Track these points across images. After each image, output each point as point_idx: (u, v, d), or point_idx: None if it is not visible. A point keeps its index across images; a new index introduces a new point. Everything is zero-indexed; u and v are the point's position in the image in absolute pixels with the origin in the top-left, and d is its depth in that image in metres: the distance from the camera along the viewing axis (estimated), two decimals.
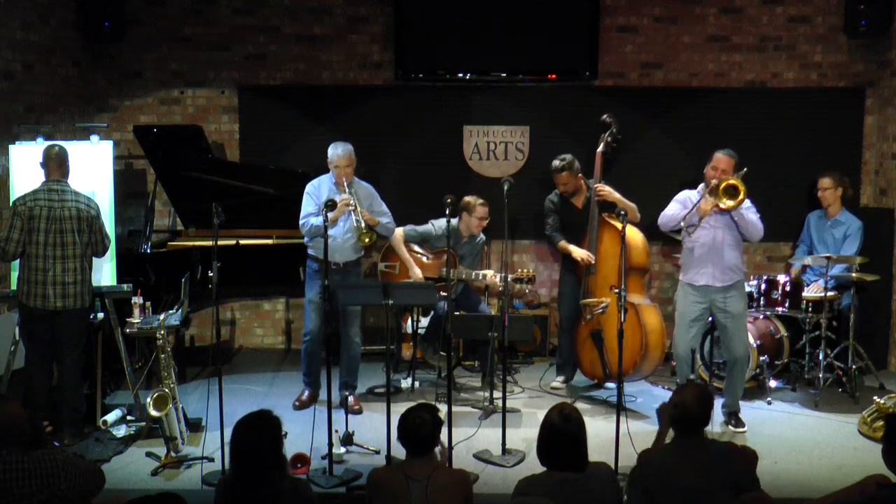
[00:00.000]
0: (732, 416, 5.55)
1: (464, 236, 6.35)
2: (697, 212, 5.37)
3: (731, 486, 3.35)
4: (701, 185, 5.52)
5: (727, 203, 5.26)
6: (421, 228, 6.44)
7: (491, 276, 6.22)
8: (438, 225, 6.35)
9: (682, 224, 5.42)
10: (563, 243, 6.24)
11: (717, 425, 5.40)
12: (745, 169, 5.36)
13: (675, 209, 5.55)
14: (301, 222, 5.68)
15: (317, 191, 5.73)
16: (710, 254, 5.41)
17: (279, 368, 7.01)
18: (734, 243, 5.44)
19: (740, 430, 5.46)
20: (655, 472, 3.45)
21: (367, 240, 5.56)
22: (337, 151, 5.65)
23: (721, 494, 3.29)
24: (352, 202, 5.53)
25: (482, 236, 6.51)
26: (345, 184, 5.61)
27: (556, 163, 6.18)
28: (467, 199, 6.33)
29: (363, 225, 5.52)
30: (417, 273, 6.26)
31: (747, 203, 5.36)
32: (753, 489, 3.43)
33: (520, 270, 6.03)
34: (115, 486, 4.38)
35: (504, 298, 5.55)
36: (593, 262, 6.07)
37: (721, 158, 5.42)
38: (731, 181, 5.27)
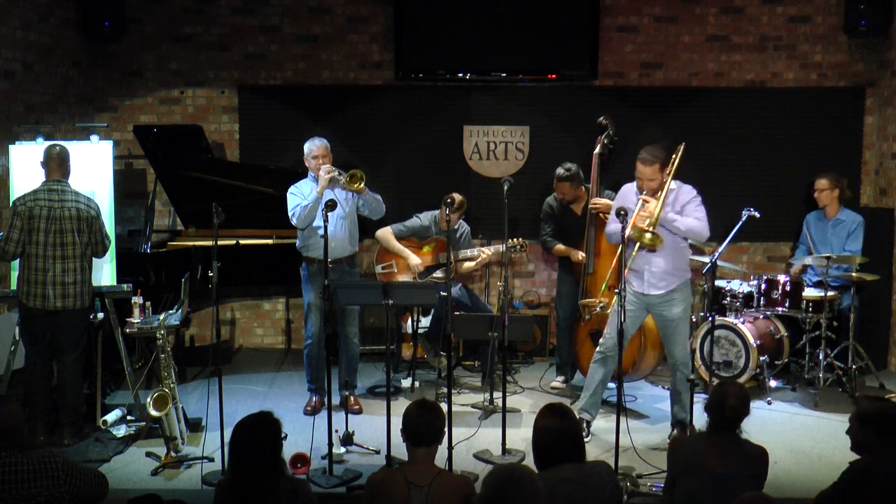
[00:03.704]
0: (680, 426, 5.21)
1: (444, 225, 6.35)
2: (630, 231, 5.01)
3: (758, 485, 3.49)
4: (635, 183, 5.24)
5: (647, 233, 4.87)
6: (408, 223, 6.50)
7: (485, 252, 6.28)
8: (424, 216, 6.51)
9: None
10: (558, 247, 6.25)
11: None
12: (682, 144, 5.21)
13: (615, 219, 5.14)
14: (290, 213, 5.66)
15: (299, 189, 5.73)
16: (641, 260, 5.10)
17: (279, 368, 7.01)
18: (669, 247, 5.03)
19: None
20: (683, 454, 3.54)
21: (358, 184, 5.45)
22: (314, 142, 5.70)
23: (749, 487, 3.35)
24: (333, 170, 5.51)
25: (463, 224, 6.51)
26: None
27: (560, 171, 6.16)
28: (456, 197, 6.29)
29: (347, 176, 5.46)
30: (416, 260, 6.34)
31: (689, 203, 5.07)
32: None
33: (511, 241, 5.88)
34: (115, 486, 4.36)
35: (504, 298, 5.55)
36: (580, 257, 6.08)
37: (639, 168, 5.02)
38: (644, 226, 4.89)
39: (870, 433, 3.44)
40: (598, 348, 5.37)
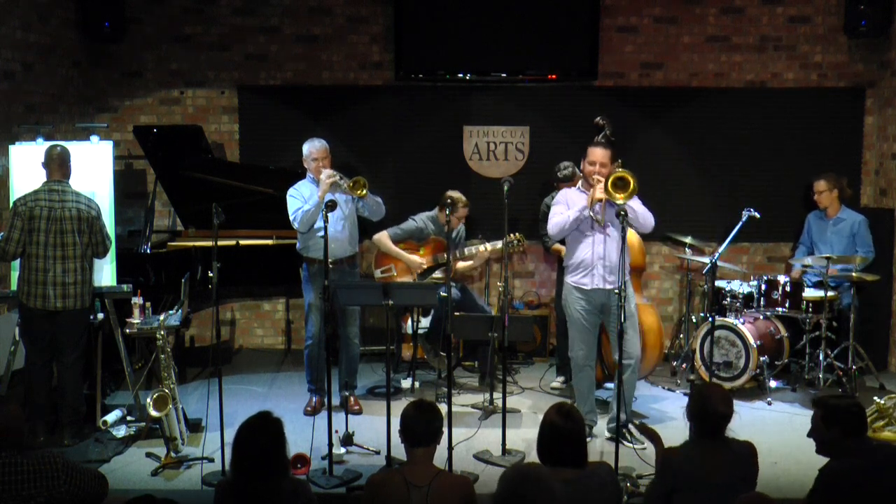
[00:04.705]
0: (627, 431, 5.10)
1: (444, 227, 6.34)
2: (589, 204, 5.07)
3: (749, 485, 3.46)
4: (580, 182, 5.33)
5: (620, 197, 4.85)
6: (404, 226, 6.47)
7: (483, 248, 6.26)
8: (419, 218, 6.48)
9: (575, 225, 5.13)
10: (557, 245, 6.25)
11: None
12: (619, 160, 5.27)
13: (562, 212, 5.20)
14: (292, 217, 5.65)
15: (299, 191, 5.73)
16: (598, 254, 5.12)
17: (279, 369, 7.01)
18: (617, 242, 5.04)
19: (639, 446, 5.05)
20: (682, 467, 3.49)
21: (361, 190, 5.47)
22: (314, 144, 5.70)
23: (742, 491, 3.34)
24: (335, 175, 5.52)
25: (461, 227, 6.50)
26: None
27: (565, 172, 6.22)
28: (454, 196, 6.31)
29: (350, 182, 5.47)
30: (418, 260, 6.33)
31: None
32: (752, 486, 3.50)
33: (510, 235, 5.88)
34: (115, 486, 4.36)
35: (504, 298, 5.55)
36: None
37: (595, 151, 5.11)
38: (618, 173, 4.92)
39: (835, 433, 3.41)
40: (572, 362, 5.37)
